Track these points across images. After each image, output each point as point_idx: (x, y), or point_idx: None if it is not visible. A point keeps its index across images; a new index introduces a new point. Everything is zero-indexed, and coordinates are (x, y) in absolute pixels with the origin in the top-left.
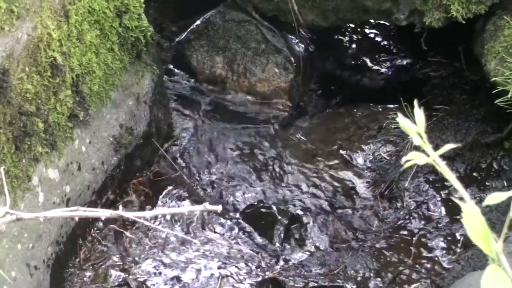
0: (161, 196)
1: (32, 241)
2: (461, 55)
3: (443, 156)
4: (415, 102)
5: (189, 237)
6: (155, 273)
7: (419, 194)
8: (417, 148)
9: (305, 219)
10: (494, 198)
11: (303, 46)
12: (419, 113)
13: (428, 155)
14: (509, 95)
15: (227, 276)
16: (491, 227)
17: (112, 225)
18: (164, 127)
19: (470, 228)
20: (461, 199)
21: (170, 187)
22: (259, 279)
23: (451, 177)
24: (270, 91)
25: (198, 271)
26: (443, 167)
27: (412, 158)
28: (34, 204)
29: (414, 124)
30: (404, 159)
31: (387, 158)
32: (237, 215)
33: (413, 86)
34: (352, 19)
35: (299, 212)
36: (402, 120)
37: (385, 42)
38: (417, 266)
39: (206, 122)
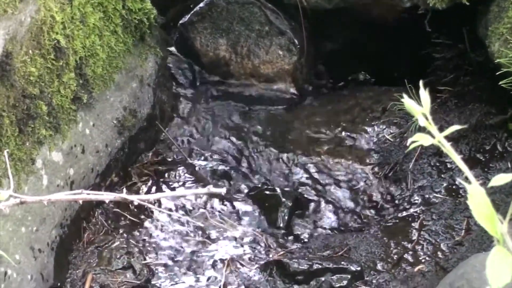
0: (164, 179)
1: (36, 224)
2: (465, 36)
3: (448, 138)
4: (421, 83)
5: (193, 220)
6: (159, 256)
7: (423, 176)
8: (421, 130)
9: (309, 202)
10: (500, 179)
11: (306, 28)
12: (424, 94)
13: (433, 137)
14: None
15: (232, 258)
16: (495, 208)
17: (116, 208)
18: (168, 110)
19: (476, 209)
20: (467, 180)
21: (173, 170)
22: (264, 261)
23: (457, 158)
24: (274, 73)
25: (203, 254)
26: (448, 148)
27: (418, 140)
28: (38, 187)
29: (419, 105)
30: (409, 140)
31: (391, 140)
32: (241, 198)
33: (416, 68)
34: (356, 1)
35: (303, 194)
36: (407, 101)
37: (388, 24)
38: (421, 248)
39: (210, 104)
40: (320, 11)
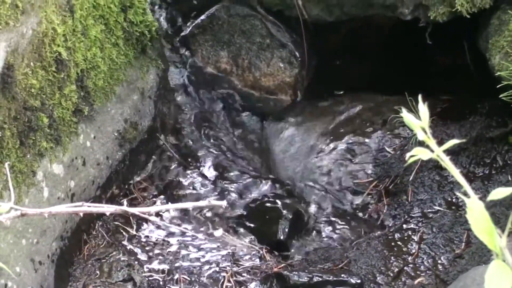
0: (165, 191)
1: (36, 236)
2: (466, 49)
3: (448, 151)
4: (419, 98)
5: (193, 232)
6: (160, 269)
7: (423, 189)
8: (421, 143)
9: (309, 214)
10: (498, 193)
11: (307, 40)
12: (423, 108)
13: (432, 151)
14: None
15: (232, 271)
16: (495, 221)
17: (117, 221)
18: (169, 122)
19: (475, 223)
20: (466, 194)
21: (174, 182)
22: (264, 274)
23: (455, 173)
24: (275, 85)
25: (203, 266)
26: (447, 163)
27: (417, 154)
28: (38, 199)
29: (418, 119)
30: (408, 154)
31: (392, 152)
32: (242, 210)
33: (416, 80)
34: (357, 14)
35: (304, 207)
36: (406, 115)
37: (389, 35)
38: (421, 260)
39: (211, 116)
40: (321, 23)
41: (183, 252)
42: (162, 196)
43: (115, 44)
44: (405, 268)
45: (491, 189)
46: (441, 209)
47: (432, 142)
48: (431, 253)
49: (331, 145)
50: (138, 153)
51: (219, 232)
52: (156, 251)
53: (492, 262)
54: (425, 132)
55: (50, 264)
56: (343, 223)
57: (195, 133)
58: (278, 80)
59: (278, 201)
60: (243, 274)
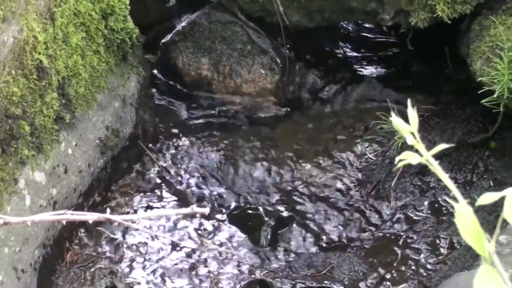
0: (147, 198)
1: (19, 245)
2: (447, 54)
3: (432, 156)
4: (409, 102)
5: (175, 239)
6: (142, 276)
7: (405, 195)
8: (404, 149)
9: (291, 220)
10: (487, 198)
11: (288, 46)
12: (412, 113)
13: (421, 155)
14: (494, 95)
15: (215, 278)
16: None
17: (99, 228)
18: (150, 129)
19: (463, 228)
20: (454, 198)
21: (156, 189)
22: (247, 280)
23: (444, 177)
24: (256, 92)
25: (186, 273)
26: (436, 167)
27: (406, 158)
28: (20, 207)
29: (406, 124)
30: (397, 158)
31: (374, 158)
32: (224, 217)
33: (398, 86)
34: (338, 20)
35: (286, 213)
36: (395, 120)
37: (370, 41)
38: (404, 266)
39: (192, 123)
40: (302, 29)
41: (166, 259)
42: (144, 203)
43: (96, 52)
44: (388, 274)
45: (473, 194)
46: (424, 214)
47: (421, 147)
48: (414, 259)
49: (312, 151)
50: (120, 160)
51: (202, 239)
52: (139, 259)
53: (481, 267)
54: (414, 136)
55: (33, 272)
56: (326, 229)
57: (177, 139)
58: (259, 86)
59: (260, 208)
60: (226, 281)
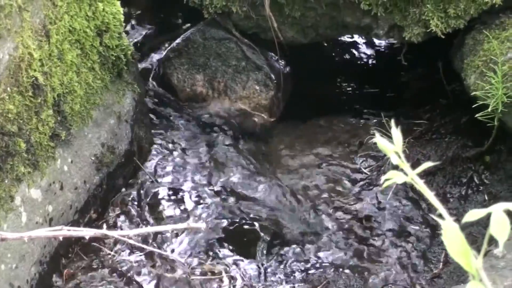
0: (143, 214)
1: (15, 261)
2: (440, 69)
3: (424, 171)
4: (392, 122)
5: (171, 254)
6: None
7: (400, 210)
8: (396, 166)
9: (287, 236)
10: (473, 214)
11: (283, 62)
12: (396, 133)
13: (406, 174)
14: (489, 109)
15: None
16: (473, 241)
17: (95, 244)
18: (146, 145)
19: (450, 245)
20: (441, 216)
21: (152, 205)
22: None
23: (430, 195)
24: (251, 108)
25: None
26: (421, 186)
27: (392, 177)
28: (17, 224)
29: (392, 144)
30: (383, 178)
31: (368, 173)
32: (220, 232)
33: (393, 100)
34: (332, 35)
35: (281, 229)
36: (380, 140)
37: (364, 56)
38: (399, 281)
39: (188, 139)
40: (296, 45)
41: (162, 274)
42: (140, 219)
43: (91, 69)
44: None
45: (468, 209)
46: (419, 228)
47: (406, 166)
48: (409, 273)
49: (307, 166)
50: (116, 177)
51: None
52: (135, 275)
53: (469, 284)
54: (399, 156)
55: None
56: (321, 244)
57: (173, 156)
58: (254, 102)
59: (256, 223)
60: None
